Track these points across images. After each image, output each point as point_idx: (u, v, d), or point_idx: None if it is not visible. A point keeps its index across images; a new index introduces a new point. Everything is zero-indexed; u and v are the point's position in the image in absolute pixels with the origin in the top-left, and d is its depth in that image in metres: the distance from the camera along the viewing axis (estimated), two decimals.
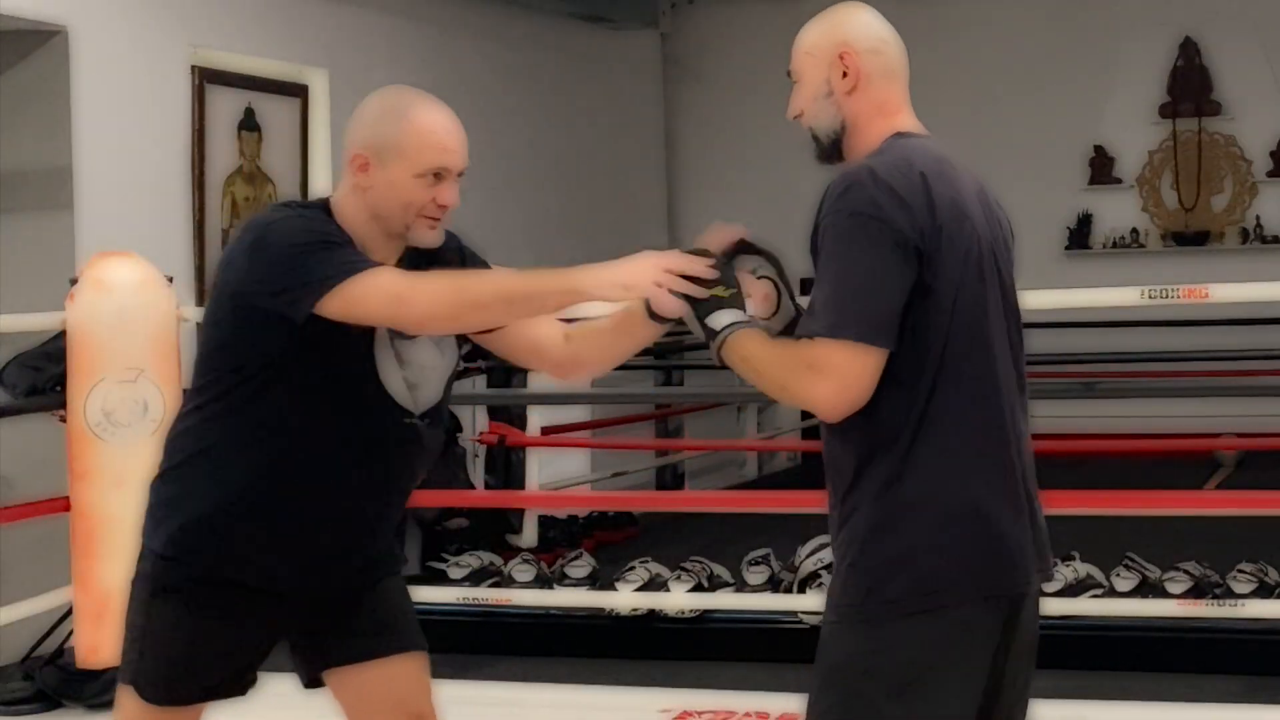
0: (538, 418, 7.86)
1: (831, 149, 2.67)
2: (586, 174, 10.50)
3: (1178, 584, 5.57)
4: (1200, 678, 5.32)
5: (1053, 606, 5.55)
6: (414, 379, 2.83)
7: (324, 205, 2.85)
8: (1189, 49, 11.15)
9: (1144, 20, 11.08)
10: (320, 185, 7.65)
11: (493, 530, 7.51)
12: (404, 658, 2.94)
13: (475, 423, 7.74)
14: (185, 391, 2.94)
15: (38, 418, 5.53)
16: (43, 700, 5.36)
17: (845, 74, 2.61)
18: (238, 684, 2.92)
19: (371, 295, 2.67)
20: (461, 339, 2.97)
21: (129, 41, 6.74)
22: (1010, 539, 2.51)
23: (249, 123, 7.43)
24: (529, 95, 10.01)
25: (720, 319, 2.59)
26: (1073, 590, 5.66)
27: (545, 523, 7.72)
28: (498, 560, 6.56)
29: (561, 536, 7.69)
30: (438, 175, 2.78)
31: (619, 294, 2.69)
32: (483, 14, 9.59)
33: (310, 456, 2.78)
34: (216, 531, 2.80)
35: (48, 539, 5.49)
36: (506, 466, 7.64)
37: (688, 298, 2.61)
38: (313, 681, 2.98)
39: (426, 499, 7.16)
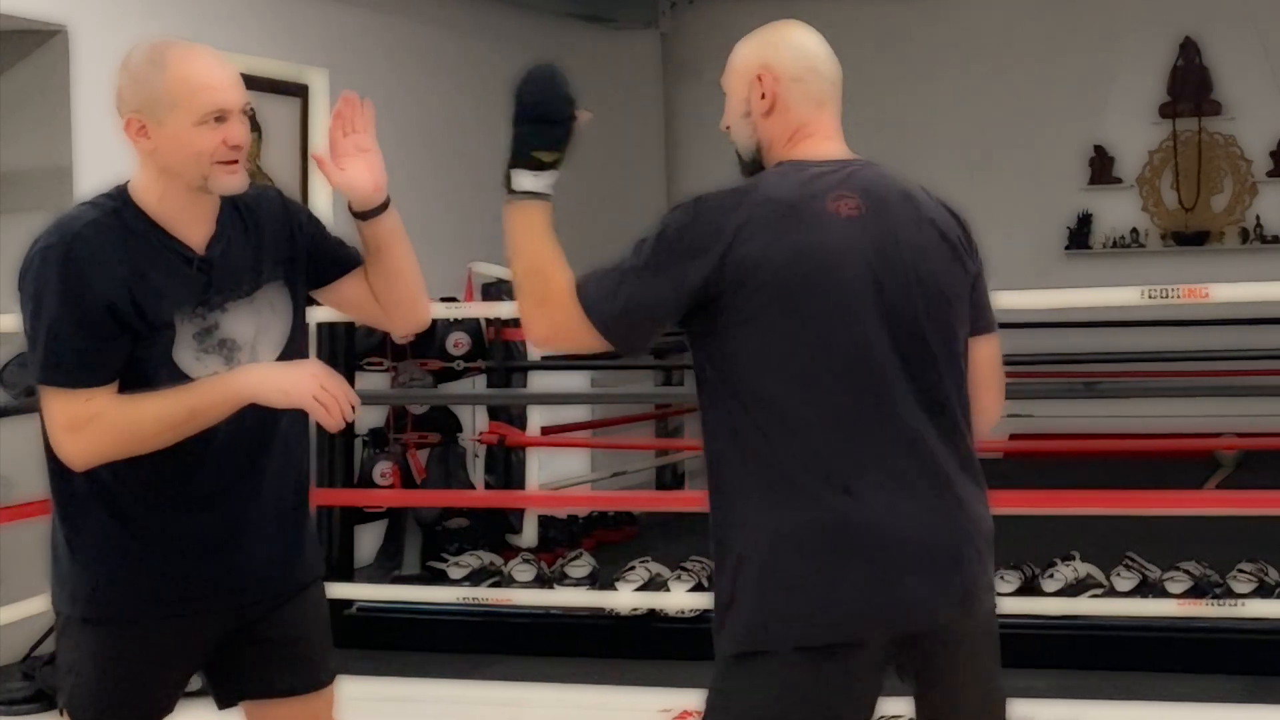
0: (538, 418, 7.85)
1: (752, 167, 2.67)
2: (586, 174, 10.48)
3: (1178, 584, 5.57)
4: (1200, 678, 5.31)
5: (1053, 606, 5.56)
6: (242, 361, 2.77)
7: (122, 196, 2.76)
8: (1189, 49, 11.14)
9: (1144, 20, 11.08)
10: (320, 185, 7.65)
11: (493, 530, 7.51)
12: (314, 697, 2.91)
13: (475, 423, 7.74)
14: None
15: (38, 418, 5.52)
16: (43, 700, 5.36)
17: (763, 96, 2.63)
18: (169, 707, 2.90)
19: (51, 418, 2.73)
20: (304, 297, 2.90)
21: (129, 41, 6.69)
22: (846, 586, 2.44)
23: (249, 123, 7.42)
24: None
25: (522, 180, 2.57)
26: (1073, 590, 5.66)
27: (545, 523, 7.72)
28: (498, 560, 6.56)
29: (561, 536, 7.69)
30: (219, 118, 2.71)
31: (279, 398, 2.68)
32: (483, 14, 9.59)
33: (154, 465, 2.73)
34: (108, 578, 2.78)
35: (48, 539, 5.48)
36: (506, 466, 7.64)
37: (516, 134, 2.58)
38: (227, 703, 2.95)
39: (427, 499, 7.19)
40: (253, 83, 8.16)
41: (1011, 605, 5.52)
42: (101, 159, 6.47)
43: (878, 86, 11.06)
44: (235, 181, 2.74)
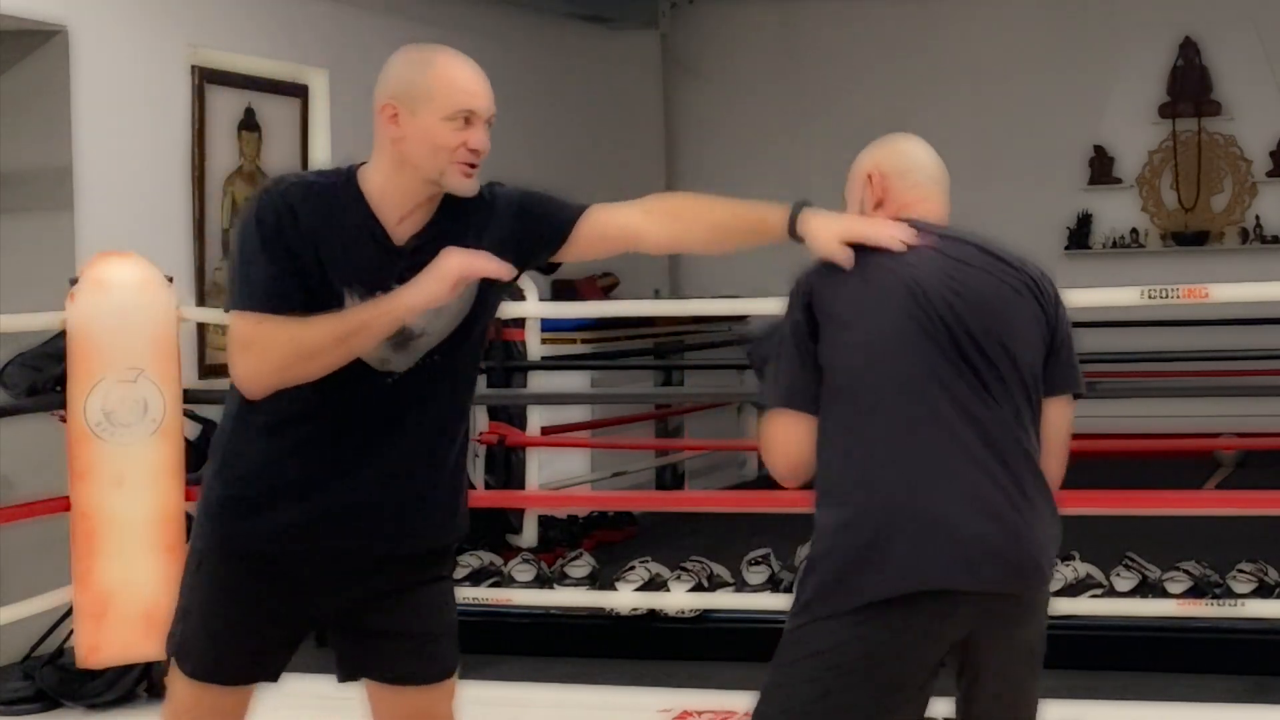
0: (538, 418, 7.85)
1: None
2: (586, 174, 10.49)
3: (1178, 584, 5.57)
4: (1200, 678, 5.32)
5: (1052, 606, 5.55)
6: (405, 338, 2.86)
7: (349, 173, 2.90)
8: (1189, 49, 11.14)
9: (1144, 20, 11.08)
10: None
11: (493, 530, 7.51)
12: (438, 687, 2.99)
13: (475, 423, 7.74)
14: None
15: (38, 418, 5.53)
16: (43, 700, 5.37)
17: (872, 192, 2.93)
18: (272, 667, 2.98)
19: (231, 342, 2.84)
20: (497, 299, 3.00)
21: (129, 41, 6.74)
22: (897, 547, 2.68)
23: (249, 123, 7.43)
24: (529, 95, 10.00)
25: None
26: (1073, 590, 5.66)
27: (545, 523, 7.71)
28: (498, 560, 6.55)
29: (561, 536, 7.69)
30: (466, 120, 2.84)
31: (437, 287, 2.78)
32: (483, 14, 9.59)
33: (295, 427, 2.86)
34: (238, 509, 2.89)
35: (48, 539, 5.49)
36: (506, 466, 7.64)
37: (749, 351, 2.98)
38: (348, 678, 3.03)
39: None
40: (253, 83, 8.19)
41: None
42: (101, 159, 6.51)
43: (878, 87, 11.07)
44: (468, 184, 2.87)
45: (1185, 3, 11.04)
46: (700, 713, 5.10)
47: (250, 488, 2.89)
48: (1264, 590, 5.53)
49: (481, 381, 7.73)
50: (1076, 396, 2.90)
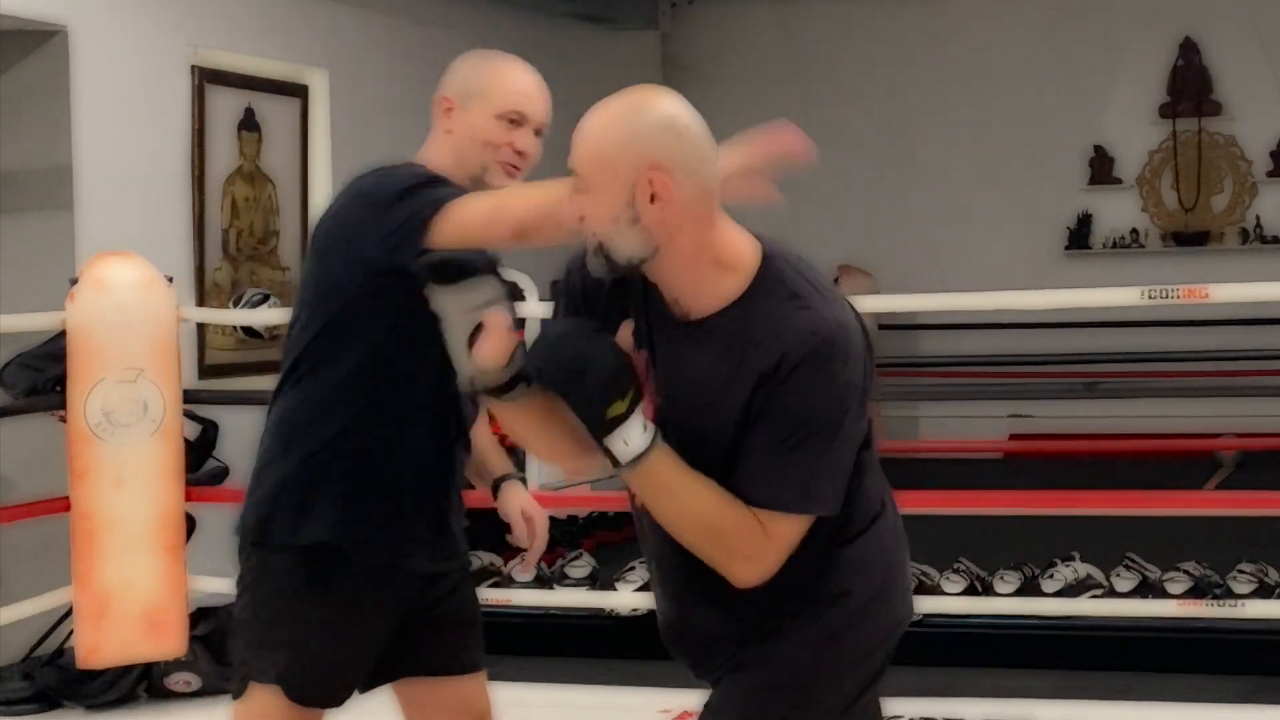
0: None
1: (628, 269, 2.26)
2: None
3: (1178, 584, 5.57)
4: (1200, 678, 5.32)
5: (1053, 606, 5.56)
6: None
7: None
8: (1189, 49, 11.14)
9: (1144, 20, 11.08)
10: (320, 185, 7.64)
11: (493, 530, 7.49)
12: (473, 677, 3.01)
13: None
14: (283, 368, 2.92)
15: (38, 418, 5.53)
16: (43, 700, 5.37)
17: (654, 198, 2.21)
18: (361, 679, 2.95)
19: (470, 213, 2.72)
20: None
21: (129, 41, 6.73)
22: None
23: (249, 123, 7.43)
24: None
25: (619, 449, 2.23)
26: (1073, 590, 5.66)
27: None
28: (498, 560, 6.55)
29: (561, 536, 7.69)
30: (515, 121, 2.88)
31: None
32: (483, 14, 9.59)
33: (402, 410, 2.84)
34: (358, 514, 2.82)
35: (48, 539, 5.49)
36: None
37: (585, 421, 2.23)
38: (372, 685, 2.99)
39: None
40: (253, 83, 8.17)
41: (1011, 605, 5.53)
42: (101, 159, 6.50)
43: (878, 87, 11.07)
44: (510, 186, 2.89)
45: (1185, 3, 11.03)
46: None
47: (367, 489, 2.82)
48: (1264, 590, 5.53)
49: None
50: None
